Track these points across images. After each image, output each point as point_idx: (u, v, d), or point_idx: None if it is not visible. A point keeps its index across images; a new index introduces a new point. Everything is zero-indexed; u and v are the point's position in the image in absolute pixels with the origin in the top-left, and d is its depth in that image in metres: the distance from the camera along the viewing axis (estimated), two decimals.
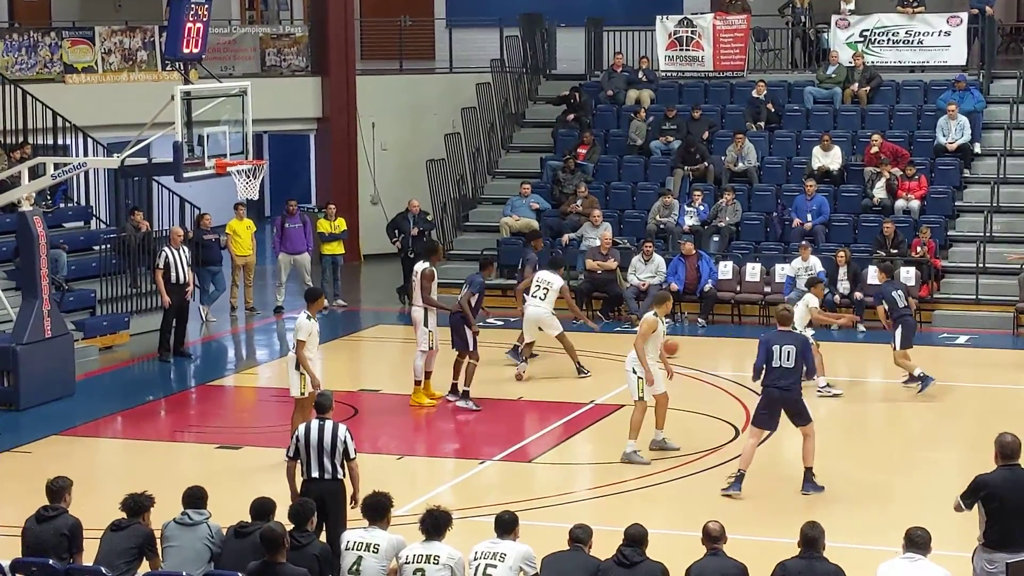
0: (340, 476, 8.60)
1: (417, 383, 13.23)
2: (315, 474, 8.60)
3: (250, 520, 7.54)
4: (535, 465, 11.65)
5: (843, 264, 17.14)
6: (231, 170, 13.70)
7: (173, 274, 15.31)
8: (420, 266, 13.21)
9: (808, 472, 10.68)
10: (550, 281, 14.23)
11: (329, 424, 8.69)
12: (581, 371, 14.34)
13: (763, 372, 10.56)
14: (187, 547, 7.52)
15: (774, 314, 11.62)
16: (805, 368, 10.58)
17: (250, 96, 14.03)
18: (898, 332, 13.46)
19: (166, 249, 15.39)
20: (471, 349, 13.08)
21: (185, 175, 13.36)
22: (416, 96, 22.68)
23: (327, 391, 9.14)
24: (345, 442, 8.60)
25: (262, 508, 7.57)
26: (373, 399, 13.63)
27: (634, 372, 11.37)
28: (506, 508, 7.65)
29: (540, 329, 14.42)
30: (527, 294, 14.48)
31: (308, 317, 11.41)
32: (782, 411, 10.64)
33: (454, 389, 13.32)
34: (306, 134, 23.48)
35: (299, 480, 8.69)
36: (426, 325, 13.08)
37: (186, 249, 15.61)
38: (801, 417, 10.67)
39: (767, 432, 10.82)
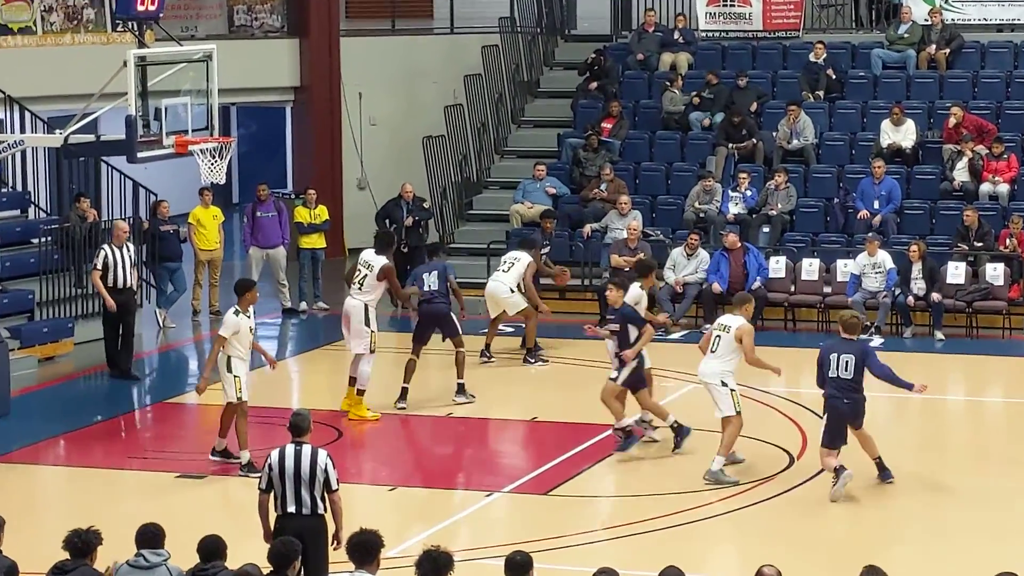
0: (320, 511, 8.61)
1: (361, 392, 13.45)
2: (291, 508, 8.60)
3: (200, 562, 7.54)
4: (552, 498, 11.66)
5: (917, 260, 17.13)
6: (193, 149, 13.73)
7: (111, 276, 15.12)
8: (379, 260, 13.51)
9: (879, 461, 11.53)
10: (517, 256, 15.20)
11: (307, 449, 8.69)
12: (531, 357, 15.34)
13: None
14: None
15: (838, 320, 11.71)
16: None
17: (216, 62, 14.06)
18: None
19: (105, 247, 15.25)
20: (461, 333, 13.96)
21: (139, 155, 13.39)
22: (411, 61, 22.72)
23: (303, 410, 9.17)
24: (326, 470, 8.59)
25: (211, 548, 7.58)
26: (360, 420, 13.65)
27: (724, 384, 11.76)
28: (518, 548, 7.65)
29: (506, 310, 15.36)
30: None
31: (236, 312, 11.79)
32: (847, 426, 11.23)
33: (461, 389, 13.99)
34: (281, 107, 23.52)
35: (273, 516, 8.71)
36: (368, 324, 13.28)
37: (131, 247, 15.38)
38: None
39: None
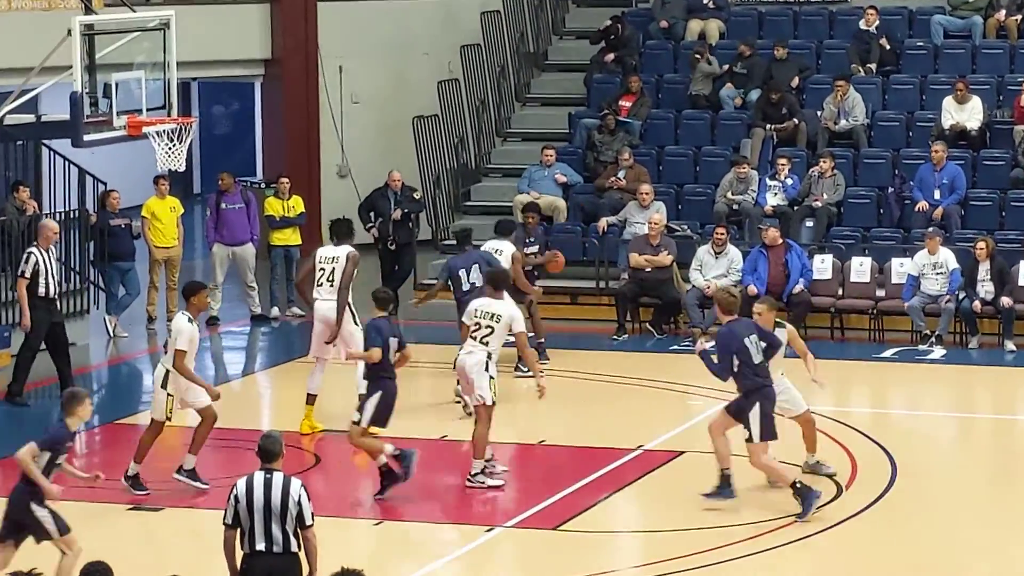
0: (293, 548, 8.63)
1: (312, 399, 13.73)
2: (260, 546, 8.61)
3: None
4: (562, 533, 11.68)
5: (985, 259, 17.15)
6: (148, 131, 13.77)
7: (43, 285, 14.88)
8: (343, 250, 13.73)
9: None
10: (499, 248, 15.05)
11: (278, 478, 8.70)
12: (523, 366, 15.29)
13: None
14: None
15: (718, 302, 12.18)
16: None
17: (174, 30, 14.11)
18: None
19: (34, 250, 14.95)
20: None
21: (86, 138, 13.44)
22: (400, 29, 22.75)
23: (274, 432, 9.18)
24: (299, 503, 8.61)
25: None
26: (341, 444, 13.68)
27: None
28: None
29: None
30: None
31: (189, 319, 11.83)
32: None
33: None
34: (250, 82, 23.57)
35: (239, 554, 8.73)
36: (357, 324, 13.56)
37: (53, 251, 15.12)
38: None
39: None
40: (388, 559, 11.09)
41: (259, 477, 8.68)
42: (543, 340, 15.97)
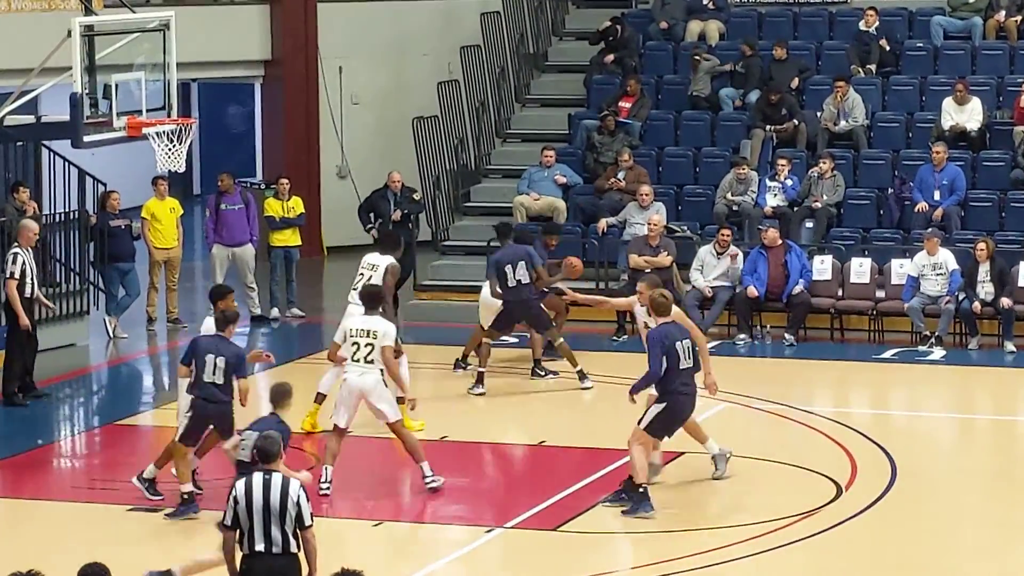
0: (293, 549, 8.63)
1: (320, 399, 13.69)
2: (259, 547, 8.61)
3: None
4: (562, 534, 11.69)
5: (985, 260, 17.15)
6: (148, 132, 13.78)
7: (28, 286, 14.83)
8: (384, 259, 13.79)
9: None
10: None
11: (277, 479, 8.70)
12: (540, 370, 15.62)
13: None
14: None
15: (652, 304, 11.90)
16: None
17: (174, 31, 14.10)
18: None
19: (19, 251, 14.90)
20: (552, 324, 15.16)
21: (86, 139, 13.44)
22: (400, 30, 22.75)
23: (273, 433, 9.20)
24: (299, 503, 8.61)
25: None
26: (341, 444, 13.66)
27: None
28: None
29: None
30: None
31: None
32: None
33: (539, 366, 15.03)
34: (250, 83, 23.56)
35: (239, 555, 8.74)
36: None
37: (29, 251, 14.97)
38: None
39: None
40: (388, 559, 11.09)
41: (258, 478, 8.68)
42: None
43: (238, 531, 8.66)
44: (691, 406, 11.75)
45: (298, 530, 8.58)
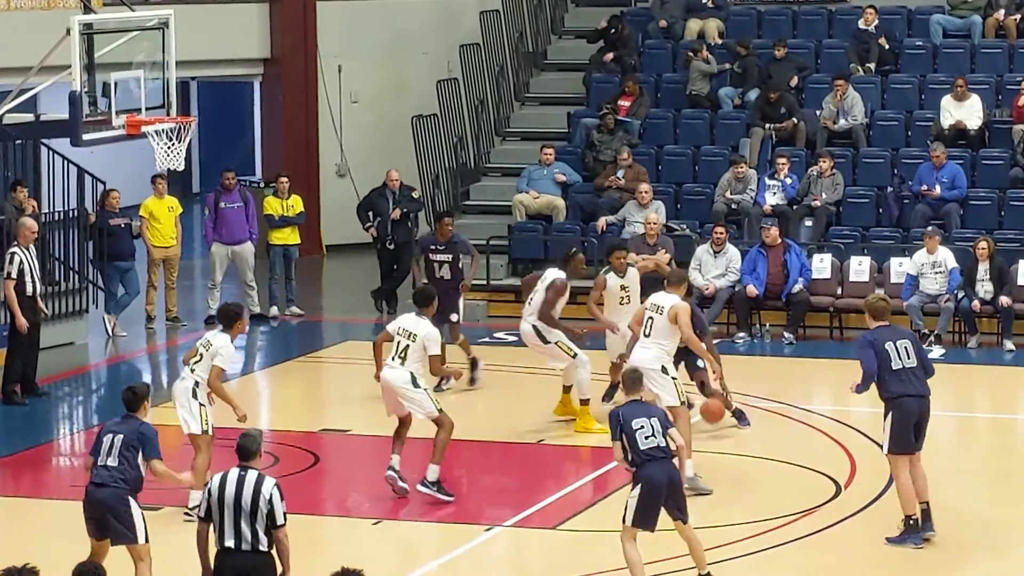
0: (264, 547, 8.62)
1: (585, 402, 13.77)
2: (229, 543, 8.62)
3: None
4: (561, 533, 11.67)
5: (985, 259, 17.13)
6: (147, 130, 13.76)
7: (28, 285, 14.76)
8: (553, 273, 13.74)
9: (924, 513, 10.98)
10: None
11: (252, 476, 8.71)
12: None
13: (881, 381, 10.84)
14: None
15: (866, 307, 11.35)
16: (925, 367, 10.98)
17: (173, 30, 14.08)
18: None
19: (17, 250, 14.84)
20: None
21: (85, 137, 13.42)
22: (399, 29, 22.73)
23: (253, 430, 9.19)
24: (271, 502, 8.60)
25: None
26: (340, 443, 13.67)
27: (664, 371, 12.06)
28: None
29: None
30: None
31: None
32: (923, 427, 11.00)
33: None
34: (249, 81, 23.53)
35: (213, 549, 8.75)
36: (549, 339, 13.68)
37: (32, 249, 14.99)
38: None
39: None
40: (388, 559, 11.08)
41: (233, 473, 8.75)
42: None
43: (211, 524, 8.70)
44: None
45: (271, 529, 8.59)
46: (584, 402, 13.79)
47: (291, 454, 13.22)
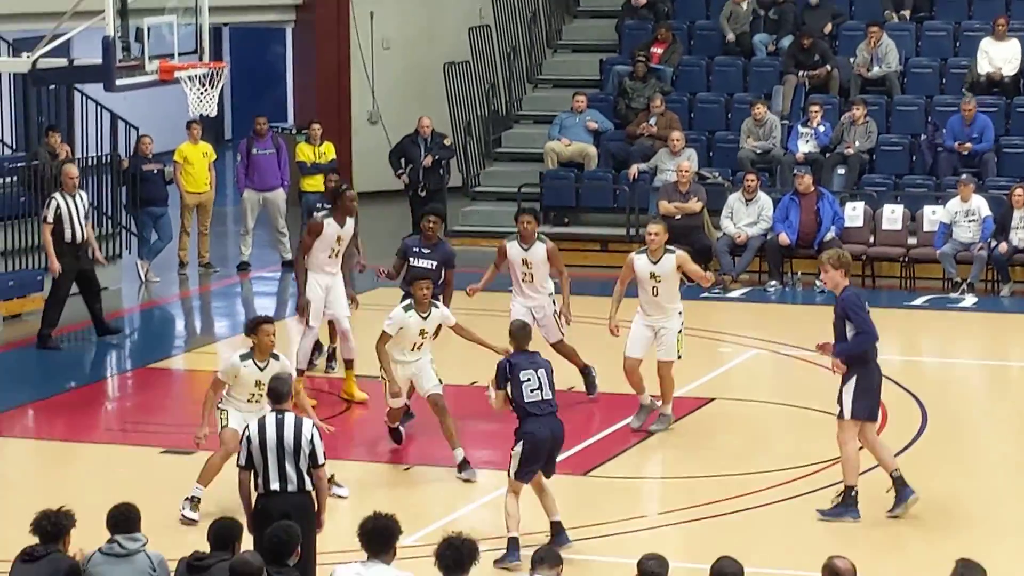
0: (307, 487, 8.70)
1: (300, 372, 12.89)
2: (275, 486, 8.68)
3: (209, 550, 7.59)
4: (592, 479, 11.66)
5: (1020, 206, 16.98)
6: (180, 76, 13.70)
7: (68, 230, 14.84)
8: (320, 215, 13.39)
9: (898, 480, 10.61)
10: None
11: (289, 418, 8.78)
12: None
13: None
14: None
15: (841, 264, 11.12)
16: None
17: None
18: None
19: (57, 196, 14.93)
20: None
21: (118, 82, 13.36)
22: None
23: (283, 374, 9.17)
24: (312, 442, 8.69)
25: (225, 533, 7.61)
26: (371, 388, 13.66)
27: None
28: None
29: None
30: None
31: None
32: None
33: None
34: (281, 27, 23.45)
35: (254, 495, 8.78)
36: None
37: (83, 195, 15.09)
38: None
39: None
40: (419, 503, 11.09)
41: (271, 418, 8.81)
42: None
43: (252, 471, 8.72)
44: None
45: (311, 468, 8.62)
46: (300, 372, 12.72)
47: (323, 399, 13.23)
